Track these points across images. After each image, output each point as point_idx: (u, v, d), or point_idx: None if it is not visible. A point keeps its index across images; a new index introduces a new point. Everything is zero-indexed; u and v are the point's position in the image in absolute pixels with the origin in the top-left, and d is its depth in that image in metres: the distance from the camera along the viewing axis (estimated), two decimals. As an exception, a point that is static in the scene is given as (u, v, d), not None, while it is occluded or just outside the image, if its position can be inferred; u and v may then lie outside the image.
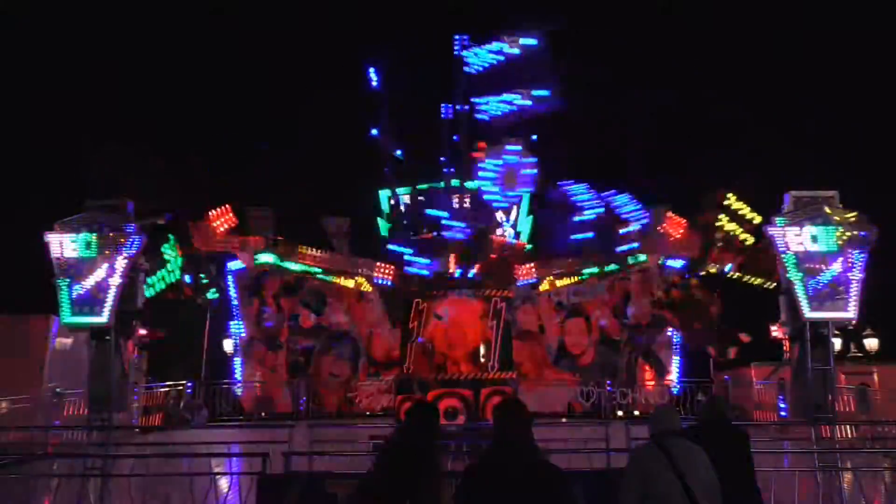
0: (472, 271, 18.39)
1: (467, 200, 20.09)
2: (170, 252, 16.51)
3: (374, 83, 19.49)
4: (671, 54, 37.57)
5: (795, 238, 11.76)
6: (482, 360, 18.09)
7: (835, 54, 37.03)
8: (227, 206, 20.08)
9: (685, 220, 20.12)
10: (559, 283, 21.31)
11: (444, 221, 19.18)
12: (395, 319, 20.27)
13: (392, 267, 19.44)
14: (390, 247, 19.75)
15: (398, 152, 19.63)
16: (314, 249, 21.18)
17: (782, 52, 38.23)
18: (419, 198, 20.64)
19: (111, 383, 11.81)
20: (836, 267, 11.62)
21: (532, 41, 18.35)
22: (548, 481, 4.14)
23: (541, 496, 4.08)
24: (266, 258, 20.91)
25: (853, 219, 11.79)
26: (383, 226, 22.00)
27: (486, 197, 18.85)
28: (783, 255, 11.77)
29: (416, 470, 4.35)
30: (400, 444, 4.53)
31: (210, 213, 19.66)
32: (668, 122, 33.87)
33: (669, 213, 20.50)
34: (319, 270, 21.26)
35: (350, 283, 21.58)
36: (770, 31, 39.51)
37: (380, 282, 20.08)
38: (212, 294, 19.01)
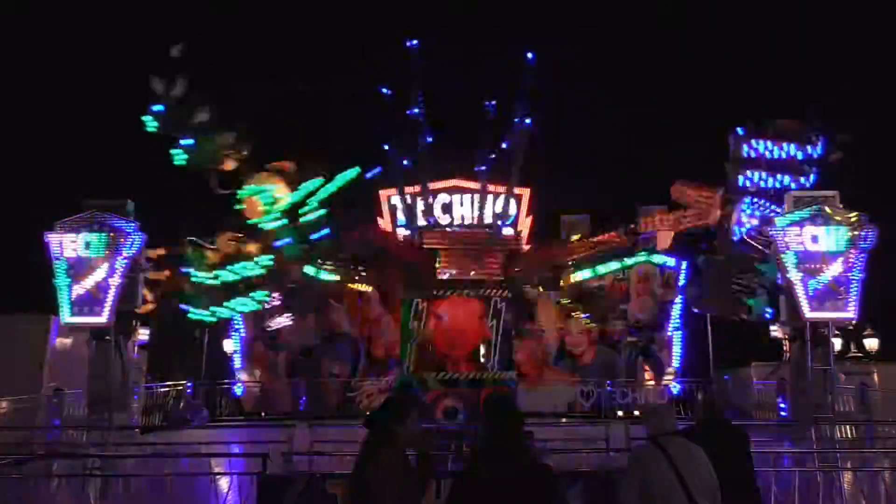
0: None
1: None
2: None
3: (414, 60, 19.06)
4: (669, 52, 37.61)
5: (795, 238, 11.77)
6: (482, 360, 18.08)
7: (835, 54, 37.05)
8: None
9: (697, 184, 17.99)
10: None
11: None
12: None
13: None
14: None
15: (429, 139, 19.41)
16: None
17: (782, 51, 38.25)
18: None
19: (111, 383, 11.82)
20: (836, 267, 11.63)
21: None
22: (541, 483, 4.14)
23: (534, 498, 4.07)
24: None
25: (853, 219, 11.80)
26: (383, 226, 22.00)
27: None
28: (783, 255, 11.78)
29: (370, 457, 4.27)
30: (369, 438, 4.43)
31: None
32: (666, 118, 33.94)
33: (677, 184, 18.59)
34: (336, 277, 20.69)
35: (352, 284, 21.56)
36: (770, 29, 39.52)
37: None
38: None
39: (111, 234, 12.78)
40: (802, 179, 14.06)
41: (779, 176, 14.33)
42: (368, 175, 18.22)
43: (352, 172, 17.33)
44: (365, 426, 4.44)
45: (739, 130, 14.78)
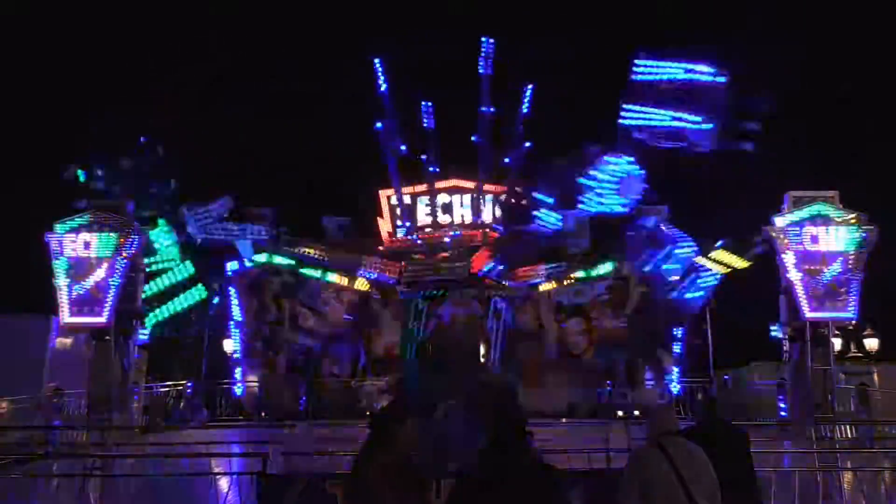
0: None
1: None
2: (163, 239, 15.73)
3: (381, 78, 19.23)
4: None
5: (795, 238, 11.76)
6: (482, 360, 18.06)
7: (835, 53, 37.05)
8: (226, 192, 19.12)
9: None
10: (554, 284, 21.24)
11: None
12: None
13: (397, 264, 19.26)
14: None
15: (402, 148, 19.44)
16: (315, 247, 20.76)
17: (782, 51, 38.21)
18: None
19: (111, 383, 11.81)
20: (836, 267, 11.61)
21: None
22: (543, 483, 4.13)
23: (536, 498, 4.06)
24: (265, 258, 20.71)
25: (853, 219, 11.78)
26: (383, 225, 22.02)
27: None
28: (783, 255, 11.77)
29: (367, 458, 4.26)
30: (369, 438, 4.42)
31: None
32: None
33: None
34: (318, 273, 20.65)
35: (348, 282, 21.54)
36: (770, 29, 39.49)
37: (383, 278, 19.77)
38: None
39: (111, 234, 12.76)
40: (691, 119, 12.94)
41: (669, 113, 13.18)
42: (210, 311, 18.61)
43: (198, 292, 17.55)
44: (369, 427, 4.45)
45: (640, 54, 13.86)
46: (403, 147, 19.23)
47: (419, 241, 18.71)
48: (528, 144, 19.37)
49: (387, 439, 4.31)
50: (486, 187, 20.42)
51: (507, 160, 19.27)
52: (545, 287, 21.75)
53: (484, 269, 18.75)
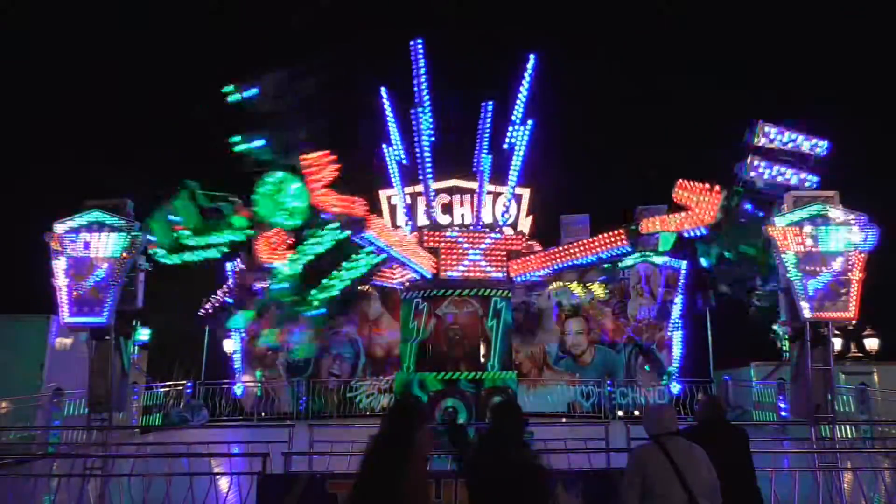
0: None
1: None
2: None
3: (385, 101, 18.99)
4: (661, 50, 37.61)
5: (795, 238, 11.74)
6: (482, 360, 18.05)
7: (835, 50, 37.05)
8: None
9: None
10: (555, 284, 21.25)
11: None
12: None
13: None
14: None
15: (404, 161, 19.35)
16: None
17: (782, 48, 38.23)
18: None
19: (111, 383, 11.79)
20: (836, 267, 11.59)
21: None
22: (532, 481, 4.23)
23: (524, 496, 4.17)
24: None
25: (853, 219, 11.76)
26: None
27: None
28: (783, 255, 11.75)
29: (398, 470, 4.27)
30: (381, 445, 4.41)
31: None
32: (663, 120, 33.94)
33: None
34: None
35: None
36: (768, 24, 39.51)
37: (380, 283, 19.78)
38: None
39: (111, 234, 12.76)
40: (804, 177, 13.75)
41: (783, 170, 14.07)
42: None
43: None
44: (389, 431, 4.43)
45: (761, 122, 14.57)
46: (405, 161, 19.16)
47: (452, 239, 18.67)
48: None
49: (410, 445, 4.30)
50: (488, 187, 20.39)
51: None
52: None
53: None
